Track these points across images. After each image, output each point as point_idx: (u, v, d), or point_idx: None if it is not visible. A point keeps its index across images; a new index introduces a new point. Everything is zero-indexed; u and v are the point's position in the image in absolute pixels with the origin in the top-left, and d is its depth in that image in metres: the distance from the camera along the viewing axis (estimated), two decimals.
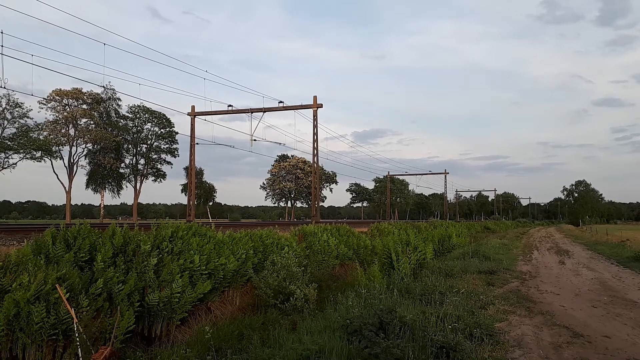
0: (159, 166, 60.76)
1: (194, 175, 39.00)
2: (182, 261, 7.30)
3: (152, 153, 59.37)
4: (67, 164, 50.80)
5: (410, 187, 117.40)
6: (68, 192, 50.81)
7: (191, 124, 36.23)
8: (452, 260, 16.21)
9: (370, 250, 16.10)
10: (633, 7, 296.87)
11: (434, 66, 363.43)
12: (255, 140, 34.01)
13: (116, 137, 53.21)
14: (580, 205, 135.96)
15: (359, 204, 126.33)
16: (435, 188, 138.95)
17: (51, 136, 48.32)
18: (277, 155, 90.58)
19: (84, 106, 51.05)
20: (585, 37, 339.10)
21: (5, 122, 44.73)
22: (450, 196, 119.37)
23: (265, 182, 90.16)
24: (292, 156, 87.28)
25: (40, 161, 47.20)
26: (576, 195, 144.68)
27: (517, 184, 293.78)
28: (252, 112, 34.19)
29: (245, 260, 9.13)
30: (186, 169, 73.12)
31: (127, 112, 57.02)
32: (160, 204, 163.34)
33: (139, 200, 62.90)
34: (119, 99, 54.79)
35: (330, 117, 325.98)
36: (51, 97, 49.22)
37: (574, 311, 9.24)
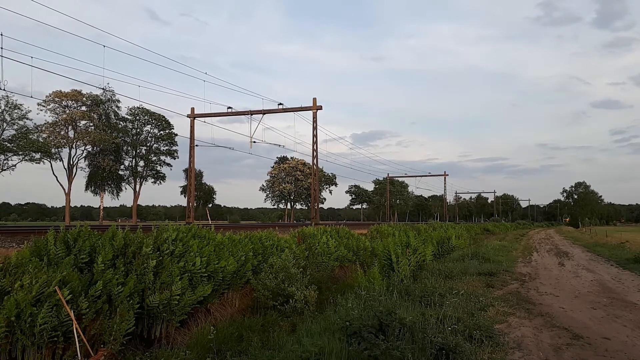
0: (158, 168, 60.74)
1: (193, 177, 39.00)
2: (182, 263, 7.30)
3: (152, 155, 59.35)
4: (66, 166, 50.82)
5: (409, 189, 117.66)
6: (67, 194, 50.78)
7: (191, 126, 36.26)
8: (451, 262, 16.22)
9: (370, 252, 16.09)
10: (630, 9, 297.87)
11: (432, 68, 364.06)
12: (254, 142, 34.09)
13: (115, 139, 53.21)
14: (579, 207, 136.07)
15: (359, 206, 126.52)
16: (435, 190, 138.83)
17: (50, 138, 48.31)
18: (277, 157, 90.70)
19: (83, 108, 51.07)
20: (583, 39, 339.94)
21: (5, 124, 44.73)
22: (450, 198, 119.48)
23: (264, 184, 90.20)
24: (291, 158, 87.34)
25: (39, 163, 47.23)
26: (576, 196, 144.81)
27: (517, 186, 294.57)
28: (251, 114, 34.23)
29: (244, 262, 9.13)
30: (186, 170, 73.23)
31: (127, 114, 57.07)
32: (159, 205, 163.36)
33: (138, 202, 62.89)
34: (119, 101, 54.89)
35: (329, 119, 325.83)
36: (50, 99, 49.24)
37: (574, 313, 9.25)
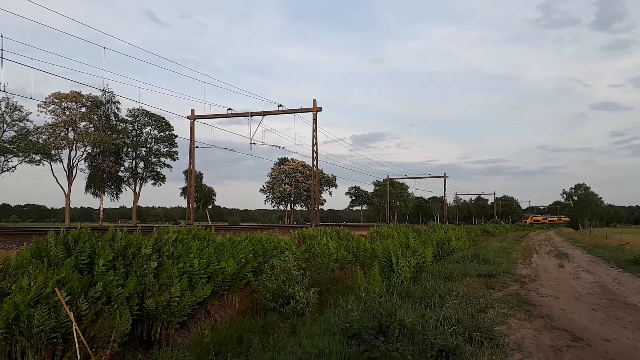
0: (158, 169, 60.80)
1: (193, 178, 38.99)
2: (182, 265, 7.29)
3: (152, 156, 59.39)
4: (66, 167, 50.86)
5: (409, 191, 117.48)
6: (67, 196, 50.79)
7: (191, 128, 36.28)
8: (451, 264, 16.21)
9: (370, 253, 16.08)
10: (629, 11, 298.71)
11: (432, 70, 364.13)
12: (254, 143, 34.14)
13: (115, 140, 53.21)
14: (579, 209, 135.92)
15: (359, 207, 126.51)
16: (435, 191, 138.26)
17: (50, 139, 48.34)
18: (277, 159, 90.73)
19: (83, 109, 51.09)
20: (582, 41, 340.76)
21: (5, 125, 44.79)
22: (450, 199, 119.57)
23: (264, 186, 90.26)
24: (291, 159, 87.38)
25: (39, 164, 47.31)
26: (576, 198, 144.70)
27: (517, 188, 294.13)
28: (251, 116, 34.27)
29: (244, 263, 9.12)
30: (186, 172, 73.12)
31: (127, 115, 57.12)
32: (159, 207, 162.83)
33: (138, 204, 62.87)
34: (118, 102, 54.93)
35: (329, 121, 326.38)
36: (50, 101, 49.27)
37: (574, 314, 9.24)
